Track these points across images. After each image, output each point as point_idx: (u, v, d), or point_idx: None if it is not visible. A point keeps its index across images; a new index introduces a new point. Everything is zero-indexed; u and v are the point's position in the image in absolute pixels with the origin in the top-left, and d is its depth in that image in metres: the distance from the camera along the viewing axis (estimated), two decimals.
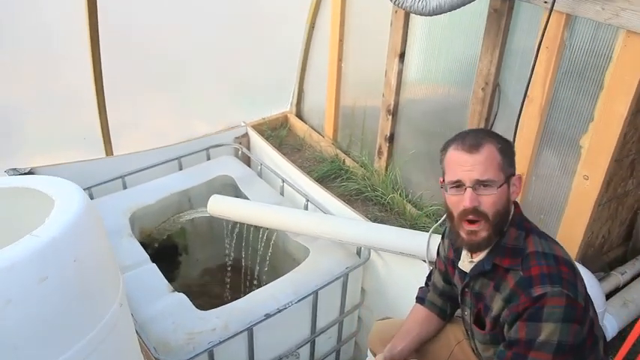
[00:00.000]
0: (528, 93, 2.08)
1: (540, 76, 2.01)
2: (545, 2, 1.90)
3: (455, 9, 1.98)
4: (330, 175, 3.12)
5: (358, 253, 2.52)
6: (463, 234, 1.37)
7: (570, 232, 2.12)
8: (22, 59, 2.61)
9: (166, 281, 2.29)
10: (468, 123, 2.41)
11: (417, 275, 2.31)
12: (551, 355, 1.24)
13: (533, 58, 2.03)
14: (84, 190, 2.66)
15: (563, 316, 1.22)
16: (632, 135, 2.02)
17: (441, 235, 1.71)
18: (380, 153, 2.97)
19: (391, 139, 2.88)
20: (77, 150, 2.93)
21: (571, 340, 1.24)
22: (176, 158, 3.02)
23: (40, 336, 1.24)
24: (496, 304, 1.36)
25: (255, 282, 2.97)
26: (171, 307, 2.14)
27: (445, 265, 1.66)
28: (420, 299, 1.77)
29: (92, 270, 1.39)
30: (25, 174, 2.70)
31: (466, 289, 1.49)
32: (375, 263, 2.50)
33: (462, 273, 1.49)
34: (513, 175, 1.37)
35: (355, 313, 2.63)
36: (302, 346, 2.38)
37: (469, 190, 1.32)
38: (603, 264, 2.52)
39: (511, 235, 1.37)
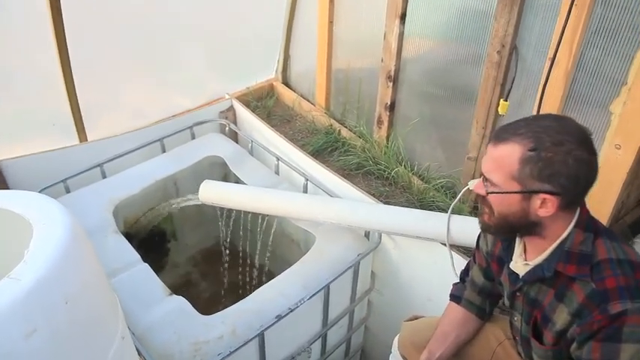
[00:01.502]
0: (550, 55, 1.88)
1: (567, 36, 1.80)
2: None
3: None
4: (326, 148, 2.89)
5: (367, 235, 2.35)
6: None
7: (599, 204, 1.96)
8: None
9: (162, 283, 2.09)
10: (480, 89, 2.20)
11: (433, 258, 2.16)
12: None
13: (559, 18, 1.81)
14: (59, 182, 2.43)
15: None
16: None
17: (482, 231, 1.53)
18: (380, 123, 2.75)
19: (392, 107, 2.66)
20: (46, 138, 2.64)
21: None
22: (158, 140, 2.75)
23: None
24: (560, 318, 1.19)
25: (255, 268, 2.78)
26: (171, 314, 1.94)
27: (487, 260, 1.48)
28: (455, 297, 1.60)
29: (87, 308, 1.17)
30: None
31: (517, 293, 1.32)
32: (386, 246, 2.34)
33: (513, 274, 1.32)
34: (543, 192, 1.12)
35: (365, 299, 2.47)
36: (314, 341, 2.22)
37: (482, 178, 1.21)
38: (625, 228, 2.39)
39: (577, 239, 1.18)
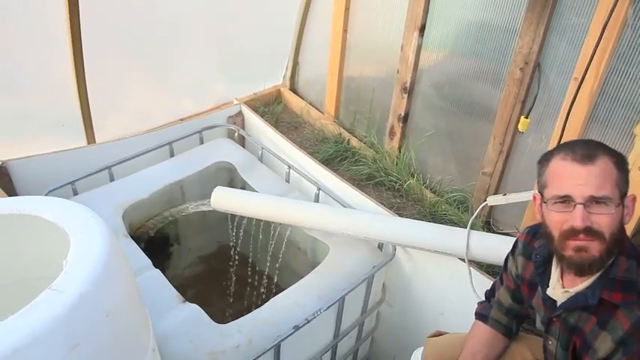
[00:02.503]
0: (577, 75, 1.88)
1: (596, 57, 1.81)
2: None
3: None
4: (336, 157, 2.88)
5: (380, 247, 2.33)
6: (570, 252, 1.16)
7: None
8: None
9: (175, 290, 2.05)
10: (499, 105, 2.20)
11: (449, 273, 2.16)
12: None
13: (587, 39, 1.82)
14: (67, 184, 2.38)
15: None
16: None
17: (511, 249, 1.52)
18: (392, 134, 2.75)
19: (405, 119, 2.65)
20: (54, 137, 2.59)
21: None
22: (167, 144, 2.71)
23: None
24: (603, 345, 1.18)
25: (263, 275, 2.75)
26: (185, 322, 1.90)
27: (516, 283, 1.47)
28: (482, 317, 1.59)
29: (125, 320, 1.15)
30: None
31: (554, 319, 1.31)
32: (400, 258, 2.32)
33: (549, 300, 1.30)
34: (626, 194, 1.17)
35: (375, 311, 2.46)
36: (326, 351, 2.20)
37: (580, 207, 1.11)
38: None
39: (621, 266, 1.17)
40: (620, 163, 1.15)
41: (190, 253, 3.12)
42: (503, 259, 1.58)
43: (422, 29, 2.40)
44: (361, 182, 2.73)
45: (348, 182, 2.55)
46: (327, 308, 1.97)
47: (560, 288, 1.26)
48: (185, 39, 2.94)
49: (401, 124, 2.67)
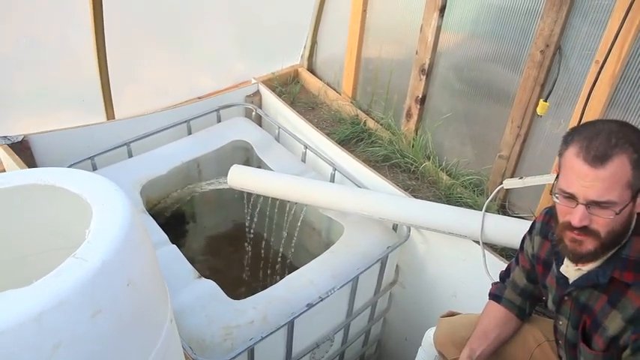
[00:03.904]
0: (598, 58, 1.86)
1: (619, 39, 1.78)
2: None
3: None
4: (352, 138, 2.88)
5: (394, 228, 2.35)
6: (567, 241, 1.19)
7: None
8: (9, 7, 2.24)
9: (191, 266, 2.09)
10: (519, 88, 2.18)
11: (463, 255, 2.16)
12: None
13: (610, 20, 1.79)
14: (87, 159, 2.42)
15: None
16: None
17: (528, 230, 1.52)
18: (409, 115, 2.74)
19: (423, 100, 2.64)
20: (74, 113, 2.62)
21: None
22: (185, 121, 2.73)
23: None
24: (613, 324, 1.19)
25: (278, 254, 2.78)
26: (201, 297, 1.94)
27: (532, 263, 1.48)
28: (495, 297, 1.60)
29: (145, 290, 1.17)
30: (18, 142, 2.40)
31: (566, 298, 1.32)
32: (414, 239, 2.34)
33: (562, 278, 1.31)
34: None
35: (389, 291, 2.48)
36: (338, 330, 2.23)
37: (581, 207, 1.12)
38: None
39: (635, 246, 1.18)
40: (638, 161, 1.10)
41: (206, 231, 3.16)
42: (518, 242, 1.58)
43: (442, 10, 2.37)
44: (377, 164, 2.73)
45: (363, 163, 2.55)
46: (341, 287, 1.99)
47: (573, 266, 1.27)
48: (206, 16, 2.94)
49: (418, 106, 2.66)
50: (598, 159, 1.09)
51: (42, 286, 0.97)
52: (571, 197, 1.14)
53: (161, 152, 2.61)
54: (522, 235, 1.56)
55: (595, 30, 1.90)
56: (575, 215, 1.13)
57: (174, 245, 2.16)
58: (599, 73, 1.82)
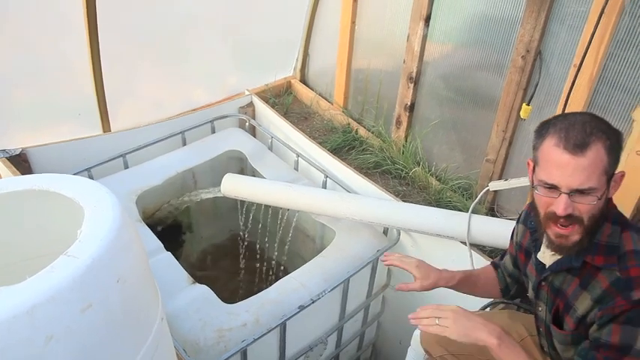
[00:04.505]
0: (576, 62, 1.92)
1: (594, 43, 1.84)
2: None
3: None
4: (344, 146, 2.94)
5: (385, 232, 2.39)
6: (551, 235, 1.23)
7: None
8: (8, 24, 2.31)
9: (185, 272, 2.13)
10: (502, 93, 2.24)
11: (452, 257, 2.20)
12: None
13: (586, 26, 1.86)
14: (84, 171, 2.47)
15: None
16: None
17: (517, 219, 1.56)
18: (398, 123, 2.80)
19: (412, 108, 2.70)
20: (71, 126, 2.68)
21: None
22: (179, 132, 2.80)
23: None
24: (583, 304, 1.24)
25: (272, 261, 2.83)
26: (195, 302, 1.99)
27: (516, 251, 1.53)
28: (494, 264, 1.69)
29: (135, 287, 1.22)
30: (16, 155, 2.46)
31: (543, 283, 1.37)
32: (404, 243, 2.38)
33: (540, 265, 1.36)
34: (616, 171, 1.20)
35: (381, 294, 2.52)
36: (331, 333, 2.26)
37: (564, 196, 1.16)
38: None
39: (605, 231, 1.23)
40: (613, 145, 1.16)
41: (203, 242, 3.20)
42: (503, 241, 1.65)
43: (427, 19, 2.44)
44: (368, 170, 2.78)
45: (355, 170, 2.61)
46: (332, 289, 2.03)
47: (549, 252, 1.32)
48: (199, 31, 3.01)
49: (407, 114, 2.72)
50: (578, 147, 1.13)
51: (34, 282, 1.01)
52: (553, 187, 1.18)
53: (156, 163, 2.67)
54: (509, 235, 1.62)
55: (572, 35, 1.97)
56: (559, 204, 1.16)
57: (169, 253, 2.21)
58: (576, 76, 1.88)
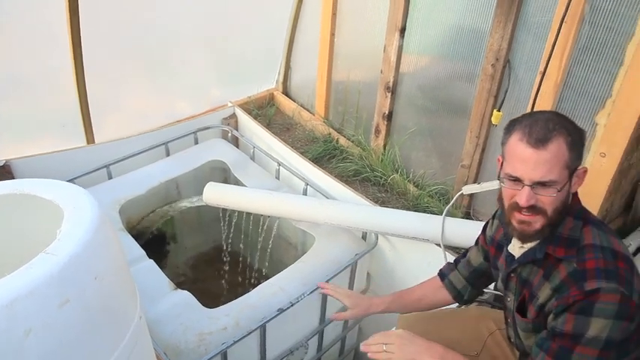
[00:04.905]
0: (542, 69, 2.01)
1: (557, 50, 1.93)
2: None
3: None
4: (324, 155, 3.01)
5: (364, 237, 2.45)
6: (515, 223, 1.30)
7: None
8: None
9: (167, 278, 2.17)
10: (474, 101, 2.33)
11: (427, 259, 2.27)
12: (598, 351, 1.20)
13: (550, 34, 1.95)
14: (67, 182, 2.51)
15: (615, 314, 1.17)
16: None
17: (493, 214, 1.63)
18: (377, 131, 2.87)
19: (389, 117, 2.78)
20: (55, 138, 2.73)
21: (619, 337, 1.19)
22: (163, 143, 2.85)
23: None
24: (543, 293, 1.31)
25: (254, 271, 2.87)
26: (176, 307, 2.02)
27: (489, 244, 1.59)
28: (441, 274, 1.74)
29: (112, 285, 1.26)
30: (0, 167, 2.49)
31: (512, 274, 1.44)
32: (382, 247, 2.44)
33: (510, 257, 1.43)
34: (578, 167, 1.28)
35: None
36: (311, 337, 2.30)
37: (527, 188, 1.23)
38: None
39: (567, 225, 1.30)
40: (575, 141, 1.23)
41: (187, 252, 3.24)
42: None
43: (402, 31, 2.53)
44: (349, 178, 2.85)
45: (335, 178, 2.67)
46: (311, 293, 2.08)
47: (518, 245, 1.39)
48: (182, 44, 3.08)
49: (385, 122, 2.80)
50: (540, 141, 1.21)
51: (14, 277, 1.06)
52: (517, 180, 1.25)
53: (140, 173, 2.71)
54: None
55: (538, 43, 2.06)
56: (522, 196, 1.23)
57: (152, 260, 2.25)
58: (541, 82, 1.97)
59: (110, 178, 2.66)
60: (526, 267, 1.39)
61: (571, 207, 1.31)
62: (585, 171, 1.30)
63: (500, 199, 1.35)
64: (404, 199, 2.69)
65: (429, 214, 2.24)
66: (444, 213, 2.12)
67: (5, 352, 1.01)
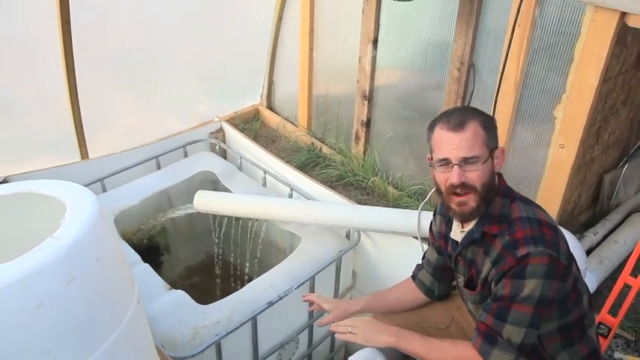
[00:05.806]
0: (501, 70, 2.18)
1: (514, 53, 2.11)
2: None
3: None
4: (308, 163, 3.16)
5: (347, 236, 2.59)
6: (454, 206, 1.47)
7: (548, 198, 2.24)
8: None
9: (162, 280, 2.29)
10: (444, 103, 2.49)
11: (407, 252, 2.40)
12: (533, 307, 1.35)
13: (506, 37, 2.13)
14: None
15: (545, 274, 1.33)
16: (598, 104, 2.15)
17: (432, 212, 1.79)
18: (357, 138, 3.03)
19: (368, 124, 2.95)
20: (51, 155, 2.86)
21: (552, 295, 1.35)
22: (154, 157, 2.99)
23: (71, 338, 1.25)
24: (485, 267, 1.47)
25: (246, 277, 2.99)
26: (172, 305, 2.14)
27: (438, 239, 1.75)
28: (412, 275, 1.90)
29: (112, 269, 1.40)
30: (0, 183, 2.62)
31: (459, 257, 1.60)
32: (365, 245, 2.58)
33: (454, 243, 1.59)
34: (496, 148, 1.47)
35: (348, 295, 2.69)
36: (301, 332, 2.42)
37: (456, 167, 1.41)
38: (578, 226, 2.68)
39: (497, 204, 1.47)
40: (488, 124, 1.45)
41: (180, 262, 3.35)
42: None
43: (375, 42, 2.71)
44: (332, 183, 2.99)
45: (319, 183, 2.82)
46: (298, 287, 2.21)
47: (458, 229, 1.56)
48: (171, 63, 3.24)
49: (364, 129, 2.96)
50: (458, 125, 1.41)
51: (25, 258, 1.19)
52: (446, 163, 1.43)
53: (133, 186, 2.85)
54: None
55: (497, 46, 2.23)
56: (453, 174, 1.42)
57: (147, 264, 2.37)
58: (500, 82, 2.14)
59: (104, 191, 2.79)
60: (469, 248, 1.55)
61: (498, 187, 1.49)
62: (503, 150, 1.51)
63: (438, 190, 1.51)
64: (385, 200, 2.84)
65: (406, 210, 2.39)
66: (419, 208, 2.27)
67: (19, 324, 1.14)
